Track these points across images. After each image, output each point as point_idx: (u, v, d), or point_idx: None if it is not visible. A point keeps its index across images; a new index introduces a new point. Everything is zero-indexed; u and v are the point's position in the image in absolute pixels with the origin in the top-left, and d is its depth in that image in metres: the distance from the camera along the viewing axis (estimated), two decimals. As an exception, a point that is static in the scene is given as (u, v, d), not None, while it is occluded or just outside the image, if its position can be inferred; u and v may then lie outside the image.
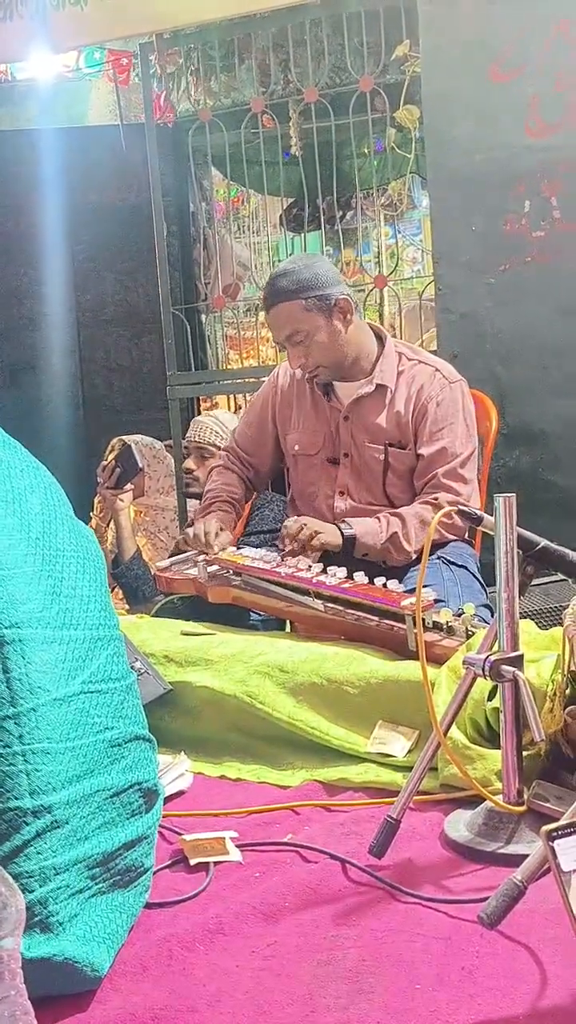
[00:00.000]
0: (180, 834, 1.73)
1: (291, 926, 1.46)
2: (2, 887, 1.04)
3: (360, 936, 1.42)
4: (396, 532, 2.59)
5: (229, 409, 5.10)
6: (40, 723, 1.37)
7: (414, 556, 2.62)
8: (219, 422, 3.58)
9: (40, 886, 1.31)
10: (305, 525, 2.56)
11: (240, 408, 5.04)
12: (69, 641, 1.48)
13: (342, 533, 2.58)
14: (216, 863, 1.65)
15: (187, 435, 3.68)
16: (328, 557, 2.56)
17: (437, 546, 2.65)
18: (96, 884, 1.39)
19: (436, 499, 2.61)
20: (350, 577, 2.39)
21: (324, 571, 2.43)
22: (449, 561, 2.62)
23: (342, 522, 2.62)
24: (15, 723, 1.35)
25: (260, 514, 3.36)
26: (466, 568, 2.65)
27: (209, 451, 3.51)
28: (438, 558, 2.61)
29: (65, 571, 1.54)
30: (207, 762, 2.09)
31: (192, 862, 1.66)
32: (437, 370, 2.76)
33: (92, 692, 1.47)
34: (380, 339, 2.81)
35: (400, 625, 2.22)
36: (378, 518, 2.64)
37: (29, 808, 1.32)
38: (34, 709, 1.37)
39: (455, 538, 2.69)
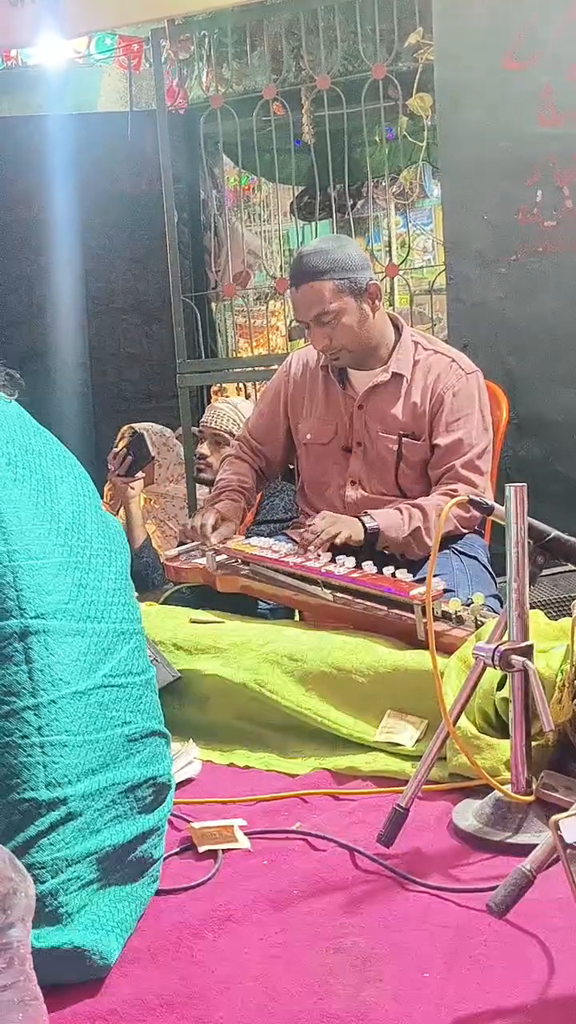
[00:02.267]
0: (189, 822, 1.74)
1: (300, 914, 1.46)
2: (12, 874, 1.05)
3: (368, 924, 1.42)
4: (419, 527, 2.54)
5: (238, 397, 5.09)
6: (59, 715, 1.37)
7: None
8: (236, 409, 3.58)
9: (52, 877, 1.31)
10: (333, 526, 2.49)
11: (251, 396, 5.04)
12: (93, 634, 1.48)
13: (365, 527, 2.53)
14: (225, 851, 1.65)
15: (203, 420, 3.68)
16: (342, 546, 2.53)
17: (451, 539, 2.64)
18: (107, 876, 1.39)
19: (455, 491, 2.57)
20: (359, 566, 2.39)
21: (333, 560, 2.43)
22: (459, 551, 2.62)
23: (364, 514, 2.57)
24: (35, 714, 1.35)
25: (270, 503, 3.36)
26: (476, 558, 2.64)
27: (224, 438, 3.51)
28: (448, 548, 2.60)
29: (92, 563, 1.53)
30: (216, 750, 2.09)
31: (201, 850, 1.66)
32: (453, 360, 2.74)
33: (112, 686, 1.47)
34: (397, 328, 2.80)
35: (409, 614, 2.22)
36: (399, 509, 2.59)
37: (44, 800, 1.33)
38: (54, 701, 1.37)
39: (469, 531, 2.69)
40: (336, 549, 2.48)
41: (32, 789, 1.33)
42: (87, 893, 1.36)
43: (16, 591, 1.38)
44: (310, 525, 2.55)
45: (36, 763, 1.34)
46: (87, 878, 1.36)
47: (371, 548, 2.54)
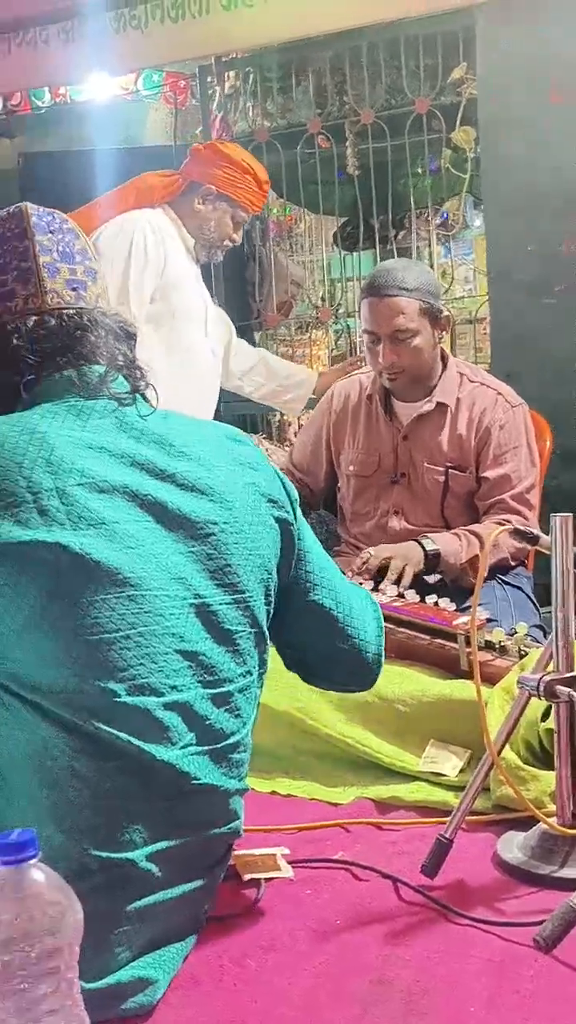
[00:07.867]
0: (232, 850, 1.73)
1: (343, 944, 1.45)
2: (61, 896, 1.05)
3: (413, 956, 1.41)
4: (477, 555, 2.52)
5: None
6: None
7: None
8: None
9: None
10: (395, 558, 2.47)
11: (291, 425, 5.05)
12: None
13: (425, 550, 2.53)
14: (267, 879, 1.65)
15: None
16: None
17: (500, 570, 2.63)
18: (162, 926, 1.37)
19: (507, 521, 2.54)
20: (401, 595, 2.38)
21: (376, 589, 2.43)
22: (503, 580, 2.61)
23: (424, 537, 2.57)
24: None
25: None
26: (520, 588, 2.63)
27: None
28: (494, 578, 2.60)
29: None
30: (258, 778, 2.08)
31: (244, 878, 1.66)
32: (500, 393, 2.74)
33: None
34: (443, 359, 2.80)
35: (452, 644, 2.21)
36: (457, 535, 2.59)
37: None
38: None
39: (516, 563, 2.68)
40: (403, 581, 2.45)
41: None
42: (141, 944, 1.34)
43: None
44: (365, 559, 2.50)
45: None
46: (141, 929, 1.34)
47: (429, 573, 2.52)
